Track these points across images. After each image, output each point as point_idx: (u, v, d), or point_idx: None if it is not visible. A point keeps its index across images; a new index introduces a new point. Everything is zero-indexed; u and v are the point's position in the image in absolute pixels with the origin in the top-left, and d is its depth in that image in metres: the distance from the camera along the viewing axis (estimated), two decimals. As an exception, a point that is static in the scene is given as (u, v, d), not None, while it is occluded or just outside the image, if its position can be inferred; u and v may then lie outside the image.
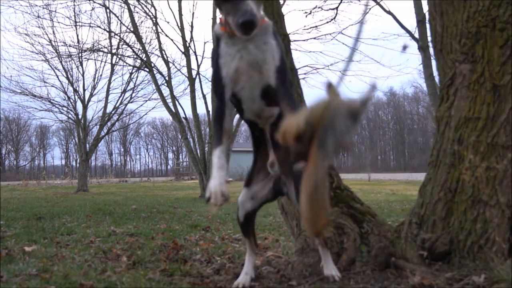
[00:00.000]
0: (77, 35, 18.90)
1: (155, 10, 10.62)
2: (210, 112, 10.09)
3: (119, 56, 13.41)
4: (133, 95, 15.33)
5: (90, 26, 13.68)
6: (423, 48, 7.71)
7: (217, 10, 1.79)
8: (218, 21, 1.82)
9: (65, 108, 15.25)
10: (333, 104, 1.27)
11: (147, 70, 10.97)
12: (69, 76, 14.75)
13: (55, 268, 2.30)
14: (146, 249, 2.84)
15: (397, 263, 1.93)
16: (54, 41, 14.14)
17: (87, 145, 15.17)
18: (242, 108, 1.84)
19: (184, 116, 10.52)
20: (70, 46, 13.94)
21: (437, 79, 5.18)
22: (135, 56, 12.10)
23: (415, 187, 12.92)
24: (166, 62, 10.69)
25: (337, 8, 8.69)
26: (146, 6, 10.68)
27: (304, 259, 2.16)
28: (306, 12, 8.86)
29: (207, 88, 11.89)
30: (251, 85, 1.73)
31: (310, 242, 2.18)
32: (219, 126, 1.70)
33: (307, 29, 10.44)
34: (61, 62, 14.48)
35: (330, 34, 10.36)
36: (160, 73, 10.99)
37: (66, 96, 15.10)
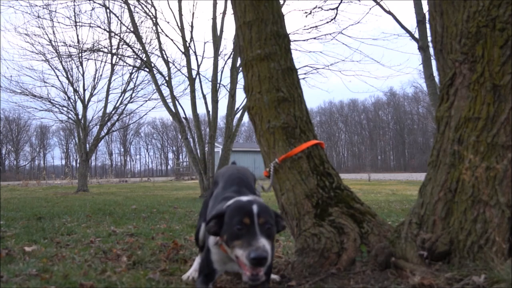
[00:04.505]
0: (77, 35, 19.01)
1: (155, 10, 10.63)
2: (210, 112, 10.09)
3: (119, 56, 13.40)
4: (133, 95, 15.36)
5: (90, 26, 13.75)
6: (423, 48, 7.71)
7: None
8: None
9: (65, 108, 15.28)
10: None
11: (147, 70, 10.97)
12: (69, 76, 14.76)
13: (55, 268, 2.30)
14: (146, 249, 2.84)
15: (397, 263, 1.93)
16: (54, 41, 14.16)
17: (87, 145, 15.18)
18: None
19: (184, 116, 10.53)
20: (70, 46, 13.95)
21: (437, 79, 5.17)
22: (135, 56, 12.09)
23: (415, 187, 12.94)
24: (166, 62, 10.69)
25: (337, 8, 8.68)
26: (146, 6, 10.68)
27: (304, 259, 2.16)
28: (306, 12, 8.85)
29: (207, 88, 11.89)
30: None
31: (310, 242, 2.18)
32: None
33: (307, 29, 10.43)
34: (61, 62, 14.49)
35: (330, 34, 10.35)
36: (160, 73, 11.00)
37: (66, 96, 15.13)
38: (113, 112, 15.28)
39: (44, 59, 14.34)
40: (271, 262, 1.85)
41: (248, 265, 1.48)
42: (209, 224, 1.66)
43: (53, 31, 17.10)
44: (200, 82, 10.58)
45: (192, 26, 10.42)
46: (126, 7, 11.07)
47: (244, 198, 1.69)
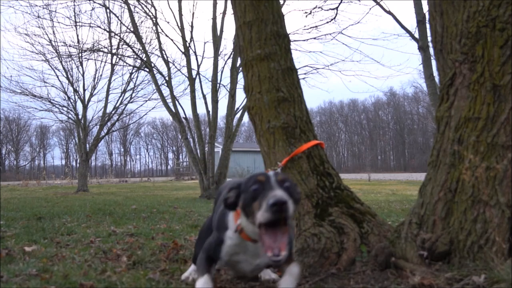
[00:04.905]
0: (77, 35, 18.99)
1: (155, 10, 10.62)
2: (210, 112, 10.09)
3: (119, 56, 13.40)
4: (133, 95, 15.34)
5: (90, 26, 13.74)
6: (423, 48, 7.71)
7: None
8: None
9: (65, 108, 15.26)
10: None
11: (147, 70, 10.97)
12: (69, 76, 14.75)
13: (55, 268, 2.30)
14: (146, 249, 2.84)
15: (397, 263, 1.93)
16: (54, 41, 14.14)
17: (87, 145, 15.17)
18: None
19: (184, 116, 10.52)
20: (70, 46, 13.93)
21: (437, 79, 5.18)
22: (135, 56, 12.08)
23: (415, 187, 12.94)
24: (166, 62, 10.69)
25: (337, 8, 8.68)
26: (146, 6, 10.67)
27: (304, 259, 2.16)
28: (306, 12, 8.85)
29: (207, 88, 11.89)
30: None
31: (310, 242, 2.18)
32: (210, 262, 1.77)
33: (307, 29, 10.43)
34: (61, 62, 14.48)
35: (330, 34, 10.34)
36: (160, 73, 10.99)
37: (66, 96, 15.11)
38: (113, 112, 15.27)
39: (44, 59, 14.34)
40: (292, 239, 1.79)
41: (268, 215, 1.35)
42: (228, 194, 1.58)
43: (53, 31, 17.08)
44: (200, 82, 10.59)
45: (192, 26, 10.42)
46: (126, 7, 11.07)
47: None
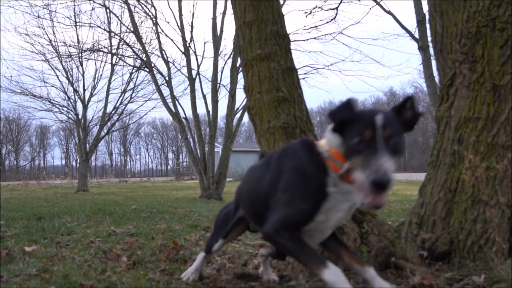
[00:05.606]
0: (77, 35, 18.98)
1: (155, 10, 10.63)
2: (210, 112, 10.09)
3: (119, 56, 13.40)
4: (133, 95, 15.34)
5: (90, 26, 13.71)
6: (423, 48, 7.72)
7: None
8: None
9: (65, 108, 15.27)
10: None
11: (147, 70, 10.97)
12: (69, 76, 14.75)
13: (55, 268, 2.30)
14: (146, 249, 2.84)
15: (397, 263, 1.93)
16: (54, 41, 14.15)
17: (87, 145, 15.17)
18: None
19: (184, 116, 10.53)
20: (70, 46, 13.95)
21: (437, 79, 5.18)
22: (135, 56, 12.09)
23: (415, 187, 12.92)
24: (166, 62, 10.69)
25: (337, 8, 8.69)
26: (146, 6, 10.68)
27: (304, 259, 2.16)
28: (306, 12, 8.87)
29: (207, 88, 11.88)
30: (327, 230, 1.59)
31: (310, 242, 2.18)
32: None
33: (307, 29, 10.44)
34: (61, 62, 14.49)
35: (330, 34, 10.37)
36: (160, 73, 11.00)
37: (66, 96, 15.12)
38: (113, 112, 15.27)
39: (44, 59, 14.36)
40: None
41: (368, 189, 1.26)
42: (340, 110, 1.38)
43: (53, 31, 17.05)
44: (200, 82, 10.59)
45: (192, 26, 10.43)
46: (126, 7, 11.08)
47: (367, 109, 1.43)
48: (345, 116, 1.36)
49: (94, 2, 11.72)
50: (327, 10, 8.77)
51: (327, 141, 1.49)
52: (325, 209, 1.47)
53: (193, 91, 10.13)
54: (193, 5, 18.19)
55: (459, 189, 1.90)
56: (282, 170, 1.55)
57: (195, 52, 10.70)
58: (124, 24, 12.72)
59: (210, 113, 10.10)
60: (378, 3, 8.61)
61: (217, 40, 10.19)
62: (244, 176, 1.93)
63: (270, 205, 1.54)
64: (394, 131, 1.32)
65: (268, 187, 1.58)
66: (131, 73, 14.53)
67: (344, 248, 1.67)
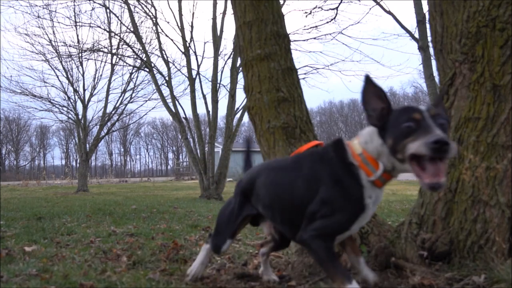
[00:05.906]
0: (77, 35, 19.02)
1: (155, 10, 10.63)
2: (210, 112, 10.09)
3: (119, 56, 13.40)
4: (133, 95, 15.34)
5: (90, 26, 13.74)
6: (423, 48, 7.72)
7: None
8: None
9: (65, 108, 15.27)
10: None
11: (147, 70, 10.97)
12: (69, 76, 14.75)
13: (55, 268, 2.30)
14: (146, 249, 2.84)
15: (397, 263, 1.93)
16: (54, 41, 14.15)
17: (87, 145, 15.17)
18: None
19: (184, 116, 10.53)
20: (70, 46, 13.95)
21: (437, 79, 5.18)
22: (135, 56, 12.09)
23: (415, 187, 12.92)
24: (166, 62, 10.69)
25: (337, 8, 8.69)
26: (146, 6, 10.68)
27: (304, 259, 2.16)
28: (306, 12, 8.87)
29: (207, 88, 11.89)
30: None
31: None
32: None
33: (307, 29, 10.44)
34: (61, 62, 14.49)
35: (330, 34, 10.38)
36: (160, 73, 11.00)
37: (66, 96, 15.12)
38: (113, 112, 15.27)
39: (44, 59, 14.36)
40: None
41: (426, 149, 1.25)
42: (374, 106, 1.44)
43: (53, 31, 17.11)
44: (200, 82, 10.59)
45: (192, 26, 10.43)
46: (126, 7, 11.08)
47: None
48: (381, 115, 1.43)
49: (94, 2, 11.73)
50: (327, 10, 8.78)
51: (361, 143, 1.52)
52: (359, 219, 1.52)
53: (193, 91, 10.13)
54: (193, 5, 18.26)
55: (459, 189, 1.90)
56: (319, 178, 1.56)
57: (195, 52, 10.71)
58: (124, 24, 12.73)
59: (210, 113, 10.10)
60: (378, 3, 8.61)
61: (217, 40, 10.19)
62: (266, 178, 1.80)
63: (306, 211, 1.55)
64: (439, 111, 1.40)
65: (304, 194, 1.58)
66: (131, 73, 14.55)
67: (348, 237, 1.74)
